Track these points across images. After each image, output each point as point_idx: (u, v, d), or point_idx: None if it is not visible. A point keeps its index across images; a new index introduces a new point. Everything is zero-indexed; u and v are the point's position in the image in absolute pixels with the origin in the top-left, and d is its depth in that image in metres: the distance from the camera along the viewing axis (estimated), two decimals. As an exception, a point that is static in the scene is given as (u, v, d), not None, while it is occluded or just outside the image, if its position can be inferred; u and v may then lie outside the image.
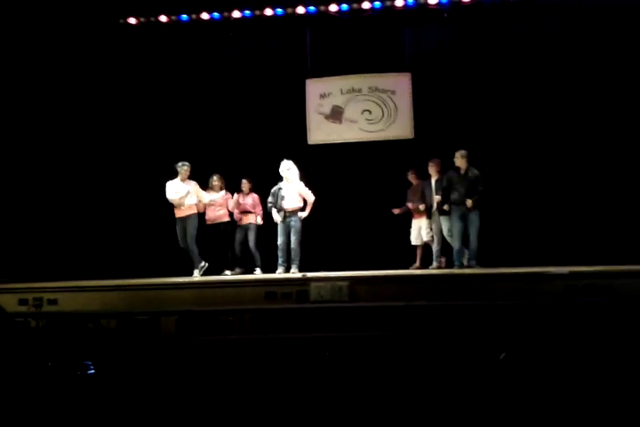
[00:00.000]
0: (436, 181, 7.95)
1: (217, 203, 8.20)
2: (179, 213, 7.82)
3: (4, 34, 8.47)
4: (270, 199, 7.84)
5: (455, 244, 7.57)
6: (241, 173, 8.66)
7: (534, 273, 5.94)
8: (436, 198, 7.79)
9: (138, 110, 9.39)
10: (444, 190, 7.61)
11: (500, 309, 5.24)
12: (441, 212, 7.79)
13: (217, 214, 8.22)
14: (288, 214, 7.68)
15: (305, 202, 7.82)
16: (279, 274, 7.39)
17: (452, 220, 7.58)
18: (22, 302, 5.90)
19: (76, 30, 8.97)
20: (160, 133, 9.28)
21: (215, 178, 8.27)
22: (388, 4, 8.87)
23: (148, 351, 4.58)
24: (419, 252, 8.30)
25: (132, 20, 9.23)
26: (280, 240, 7.70)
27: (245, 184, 8.41)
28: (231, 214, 8.36)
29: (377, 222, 8.82)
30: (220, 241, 8.20)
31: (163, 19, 9.20)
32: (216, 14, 9.13)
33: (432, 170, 8.03)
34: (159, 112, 9.37)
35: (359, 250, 8.22)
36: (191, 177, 7.94)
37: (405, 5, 8.85)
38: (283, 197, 7.69)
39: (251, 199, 8.37)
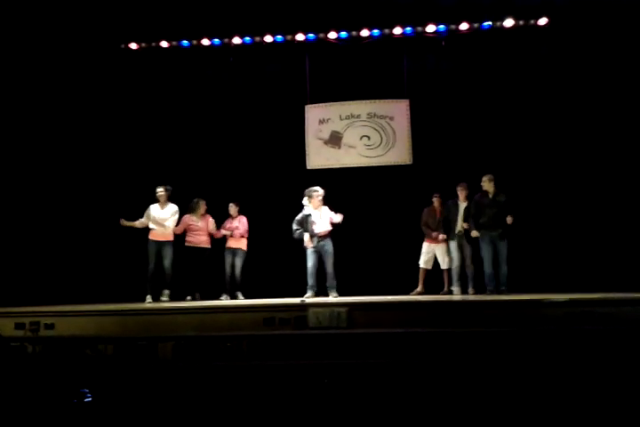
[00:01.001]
0: (466, 208, 7.92)
1: (201, 227, 8.20)
2: (162, 237, 7.88)
3: (7, 56, 8.55)
4: (296, 226, 7.80)
5: (487, 268, 7.49)
6: (242, 198, 8.71)
7: (533, 300, 5.92)
8: (464, 224, 7.81)
9: (137, 134, 9.44)
10: (475, 216, 7.61)
11: (498, 336, 5.22)
12: (467, 237, 7.81)
13: (200, 239, 8.20)
14: (320, 239, 7.68)
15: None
16: (307, 298, 7.32)
17: (482, 244, 7.53)
18: (19, 326, 5.84)
19: (77, 54, 9.09)
20: (161, 157, 9.32)
21: (198, 202, 8.28)
22: (387, 31, 9.03)
23: (146, 378, 4.54)
24: (421, 276, 8.27)
25: (134, 46, 9.34)
26: (310, 264, 7.71)
27: (233, 208, 8.43)
28: (213, 240, 8.38)
29: (376, 247, 8.84)
30: (201, 266, 8.18)
31: (164, 44, 9.31)
32: (216, 40, 9.26)
33: (461, 194, 8.05)
34: (159, 136, 9.43)
35: (358, 275, 8.20)
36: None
37: (404, 33, 9.02)
38: (313, 223, 7.71)
39: (238, 222, 8.38)
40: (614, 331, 5.11)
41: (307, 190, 7.85)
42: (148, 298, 7.68)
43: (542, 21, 8.74)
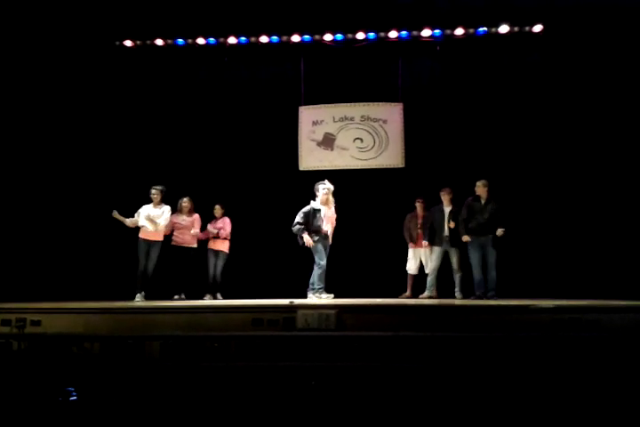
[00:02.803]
0: (450, 212, 7.95)
1: (187, 226, 8.18)
2: (153, 237, 7.86)
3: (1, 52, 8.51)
4: (301, 220, 7.32)
5: (476, 274, 7.49)
6: (234, 198, 8.70)
7: (520, 306, 5.94)
8: (451, 224, 7.82)
9: (130, 132, 9.41)
10: (466, 221, 7.60)
11: (485, 341, 5.24)
12: (453, 242, 7.81)
13: (186, 238, 8.18)
14: (325, 237, 7.45)
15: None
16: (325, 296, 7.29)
17: (471, 250, 7.52)
18: (5, 322, 5.79)
19: (71, 50, 9.04)
20: (153, 156, 9.29)
21: (185, 200, 8.27)
22: (382, 35, 9.08)
23: (132, 377, 4.51)
24: (410, 280, 8.30)
25: (128, 43, 9.31)
26: (325, 262, 7.40)
27: (218, 210, 8.42)
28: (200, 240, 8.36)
29: (366, 250, 8.85)
30: (188, 265, 8.17)
31: (159, 42, 9.29)
32: (212, 39, 9.25)
33: (445, 198, 8.05)
34: (152, 134, 9.40)
35: (348, 277, 8.20)
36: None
37: (399, 37, 9.05)
38: (321, 219, 7.38)
39: (221, 224, 8.37)
40: (601, 338, 5.13)
41: (315, 184, 7.58)
42: (138, 296, 7.64)
43: (537, 28, 8.80)
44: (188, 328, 5.78)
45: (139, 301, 7.54)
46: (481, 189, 7.60)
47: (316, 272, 7.31)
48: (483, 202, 7.59)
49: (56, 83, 9.04)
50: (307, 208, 7.43)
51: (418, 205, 8.36)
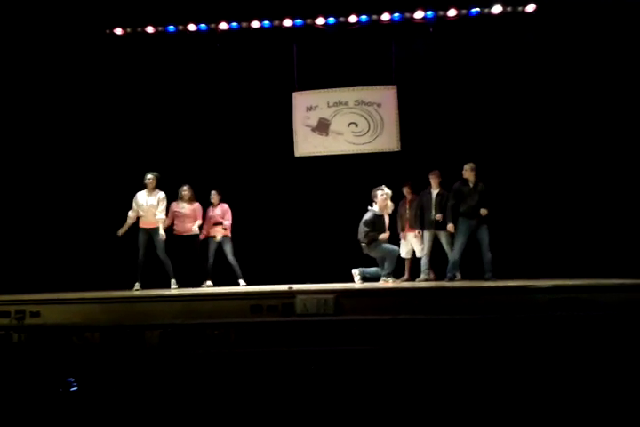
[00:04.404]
0: (438, 195, 7.99)
1: (187, 215, 8.15)
2: (152, 224, 7.83)
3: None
4: (367, 228, 7.66)
5: (455, 256, 7.55)
6: (230, 185, 8.67)
7: (517, 287, 5.98)
8: (439, 215, 7.84)
9: (123, 121, 9.34)
10: (454, 206, 7.62)
11: (483, 322, 5.27)
12: (440, 225, 7.83)
13: (186, 227, 8.16)
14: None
15: None
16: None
17: (459, 232, 7.56)
18: (4, 314, 5.82)
19: (61, 39, 8.93)
20: (146, 144, 9.24)
21: (185, 188, 8.23)
22: (375, 17, 8.98)
23: (133, 366, 4.54)
24: (407, 264, 8.34)
25: (119, 31, 9.21)
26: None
27: (215, 196, 8.41)
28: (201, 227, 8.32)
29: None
30: (190, 254, 8.12)
31: (149, 29, 9.19)
32: (203, 26, 9.14)
33: (434, 182, 8.08)
34: (145, 123, 9.34)
35: (346, 262, 8.21)
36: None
37: (391, 19, 8.96)
38: (385, 224, 7.82)
39: (220, 210, 8.36)
40: (597, 317, 5.17)
41: (373, 190, 7.84)
42: (137, 285, 7.66)
43: (530, 8, 8.73)
44: (187, 316, 5.81)
45: (137, 290, 7.56)
46: (468, 172, 7.62)
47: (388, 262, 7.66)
48: (471, 185, 7.61)
49: (46, 72, 8.95)
50: (370, 217, 7.73)
51: (405, 190, 8.37)
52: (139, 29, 9.21)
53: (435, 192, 8.06)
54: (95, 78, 9.25)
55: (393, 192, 8.09)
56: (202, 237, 8.28)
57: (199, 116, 9.38)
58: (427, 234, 8.05)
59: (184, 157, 9.19)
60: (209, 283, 8.15)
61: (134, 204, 7.90)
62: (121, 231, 7.84)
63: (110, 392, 3.87)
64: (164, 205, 7.93)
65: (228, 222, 8.33)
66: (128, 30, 9.22)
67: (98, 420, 3.39)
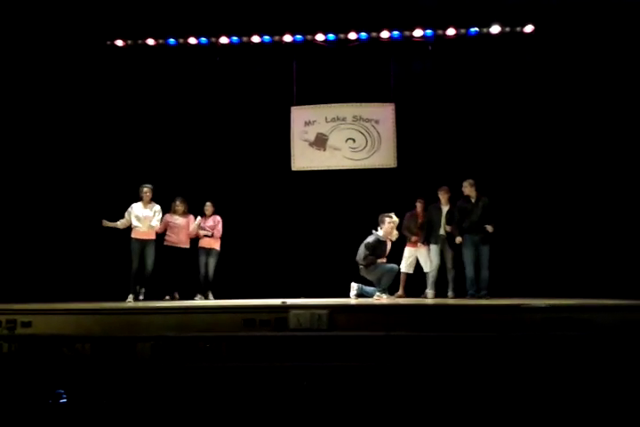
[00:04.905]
0: (448, 211, 7.99)
1: (181, 226, 8.18)
2: (146, 236, 7.84)
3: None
4: (368, 252, 7.71)
5: (469, 272, 7.52)
6: (226, 198, 8.67)
7: (512, 305, 5.95)
8: (447, 228, 7.87)
9: (121, 131, 9.36)
10: (459, 222, 7.64)
11: (477, 340, 5.24)
12: (450, 241, 7.88)
13: (179, 238, 8.17)
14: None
15: None
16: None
17: (465, 248, 7.56)
18: (-5, 324, 5.75)
19: (62, 50, 8.99)
20: (144, 155, 9.25)
21: (178, 202, 8.24)
22: (374, 35, 9.08)
23: (124, 378, 4.49)
24: (402, 281, 8.31)
25: (120, 42, 9.27)
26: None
27: (209, 207, 8.41)
28: (191, 239, 8.32)
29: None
30: (180, 266, 8.14)
31: (150, 42, 9.26)
32: (203, 39, 9.22)
33: (443, 198, 8.09)
34: (143, 134, 9.37)
35: (340, 277, 8.19)
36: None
37: (391, 37, 9.06)
38: (386, 250, 7.90)
39: (212, 222, 8.35)
40: (592, 337, 5.15)
41: (380, 215, 7.88)
42: (130, 297, 7.62)
43: (528, 29, 8.85)
44: (179, 329, 5.75)
45: (130, 301, 7.51)
46: (468, 188, 7.66)
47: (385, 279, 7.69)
48: (473, 201, 7.63)
49: (47, 82, 8.99)
50: (373, 240, 7.76)
51: (418, 205, 8.37)
52: (139, 41, 9.29)
53: (445, 209, 8.05)
54: (95, 89, 9.30)
55: (388, 208, 8.11)
56: (198, 234, 8.29)
57: (198, 128, 9.41)
58: (435, 249, 8.05)
59: (182, 169, 9.21)
60: (200, 296, 8.11)
61: (127, 214, 7.89)
62: (106, 223, 7.83)
63: (100, 404, 3.82)
64: (159, 216, 7.98)
65: (217, 233, 8.32)
66: (129, 42, 9.30)
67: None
